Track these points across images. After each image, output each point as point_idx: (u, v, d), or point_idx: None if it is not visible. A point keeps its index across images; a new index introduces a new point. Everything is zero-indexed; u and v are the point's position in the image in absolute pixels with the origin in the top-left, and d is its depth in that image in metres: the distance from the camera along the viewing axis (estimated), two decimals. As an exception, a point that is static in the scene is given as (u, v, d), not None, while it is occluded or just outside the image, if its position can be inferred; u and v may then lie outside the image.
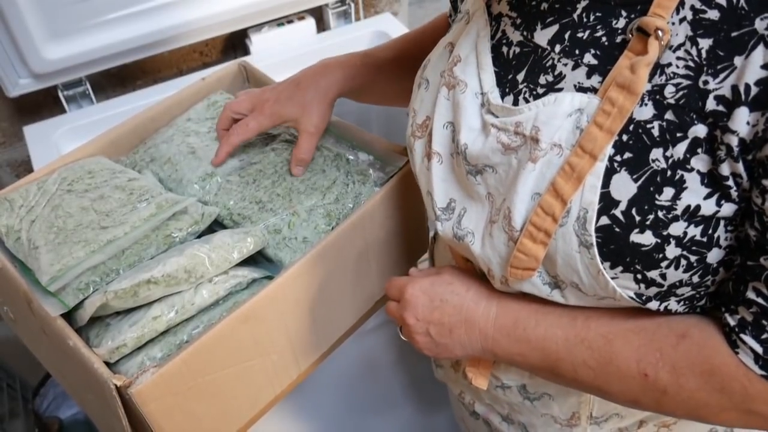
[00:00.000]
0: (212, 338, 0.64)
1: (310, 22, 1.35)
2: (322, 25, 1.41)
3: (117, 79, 1.33)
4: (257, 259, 0.76)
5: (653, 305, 0.52)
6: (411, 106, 0.65)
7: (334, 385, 1.09)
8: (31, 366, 1.25)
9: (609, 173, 0.48)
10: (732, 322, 0.49)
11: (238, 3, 1.24)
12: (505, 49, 0.57)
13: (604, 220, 0.49)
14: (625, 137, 0.48)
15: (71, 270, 0.66)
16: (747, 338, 0.48)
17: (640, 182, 0.47)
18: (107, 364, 0.63)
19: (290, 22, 1.34)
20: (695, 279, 0.50)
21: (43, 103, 1.27)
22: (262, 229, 0.75)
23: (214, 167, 0.81)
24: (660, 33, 0.45)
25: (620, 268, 0.50)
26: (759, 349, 0.47)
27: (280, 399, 0.77)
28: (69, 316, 0.67)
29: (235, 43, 1.39)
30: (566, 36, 0.52)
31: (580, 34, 0.51)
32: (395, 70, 0.82)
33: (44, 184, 0.78)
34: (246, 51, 1.35)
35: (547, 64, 0.53)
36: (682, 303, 0.53)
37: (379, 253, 0.81)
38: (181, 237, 0.72)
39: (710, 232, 0.47)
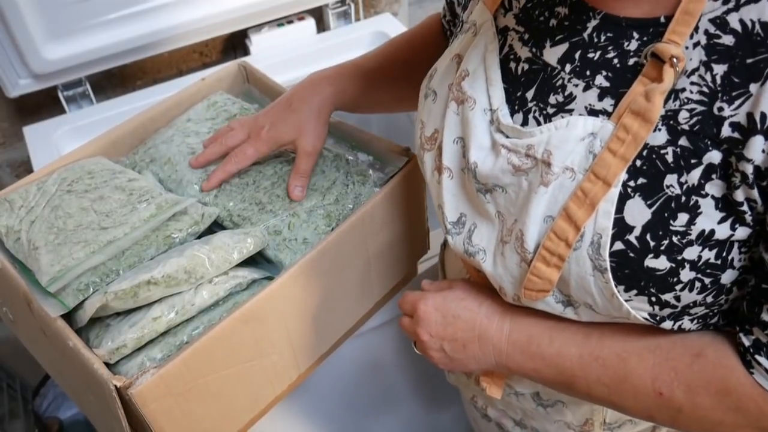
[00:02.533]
0: (212, 339, 0.64)
1: (310, 23, 1.35)
2: (322, 26, 1.41)
3: (117, 79, 1.33)
4: (257, 260, 0.76)
5: (667, 325, 0.52)
6: (418, 117, 0.65)
7: (335, 385, 1.09)
8: (31, 366, 1.24)
9: (623, 199, 0.48)
10: (747, 342, 0.49)
11: (238, 3, 1.24)
12: (513, 65, 0.56)
13: (618, 245, 0.49)
14: (638, 162, 0.47)
15: (71, 271, 0.66)
16: (762, 359, 0.48)
17: (654, 208, 0.47)
18: (107, 365, 0.63)
19: (290, 22, 1.34)
20: (709, 299, 0.50)
21: (43, 104, 1.27)
22: (262, 230, 0.75)
23: (203, 192, 0.80)
24: (675, 60, 0.45)
25: (634, 292, 0.50)
26: None
27: (281, 399, 0.77)
28: (69, 316, 0.67)
29: (235, 44, 1.39)
30: (576, 56, 0.51)
31: (591, 55, 0.50)
32: (385, 79, 0.82)
33: (44, 184, 0.78)
34: (246, 51, 1.35)
35: (557, 84, 0.52)
36: (695, 321, 0.53)
37: (379, 253, 0.80)
38: (181, 238, 0.72)
39: (724, 254, 0.47)
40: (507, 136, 0.54)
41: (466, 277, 0.69)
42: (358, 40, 1.35)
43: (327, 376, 1.04)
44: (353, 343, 0.86)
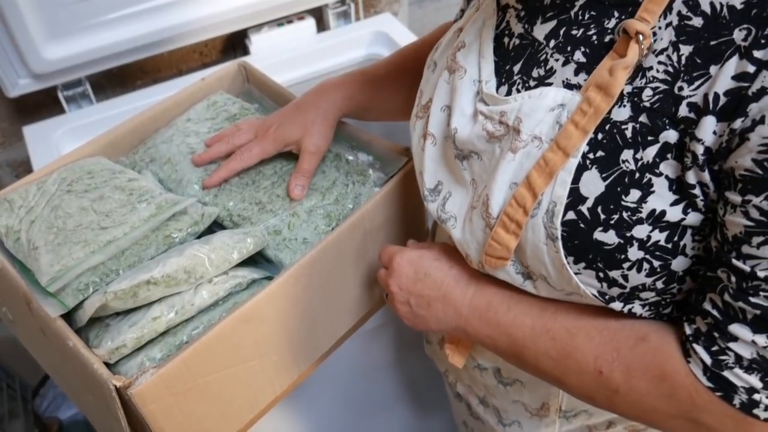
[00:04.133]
0: (212, 339, 0.64)
1: (310, 22, 1.35)
2: (322, 25, 1.41)
3: (117, 79, 1.33)
4: (257, 260, 0.76)
5: (616, 306, 0.53)
6: (419, 86, 0.67)
7: (334, 386, 1.09)
8: (31, 366, 1.24)
9: (580, 170, 0.49)
10: (688, 331, 0.49)
11: (238, 3, 1.24)
12: (506, 39, 0.58)
13: (571, 215, 0.49)
14: (600, 136, 0.48)
15: (71, 270, 0.66)
16: (699, 348, 0.48)
17: (608, 181, 0.48)
18: (107, 364, 0.63)
19: (290, 22, 1.34)
20: (659, 285, 0.50)
21: (43, 104, 1.27)
22: (262, 229, 0.75)
23: (205, 190, 0.80)
24: (641, 37, 0.46)
25: (583, 264, 0.51)
26: (708, 361, 0.47)
27: (280, 400, 0.77)
28: (68, 316, 0.67)
29: (235, 43, 1.39)
30: (561, 32, 0.53)
31: (573, 32, 0.52)
32: (394, 87, 0.83)
33: (44, 184, 0.78)
34: (246, 51, 1.35)
35: (541, 59, 0.54)
36: (647, 308, 0.53)
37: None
38: (180, 237, 0.72)
39: (675, 239, 0.48)
40: (486, 104, 0.56)
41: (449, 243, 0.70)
42: (358, 40, 1.35)
43: (326, 377, 1.04)
44: (353, 344, 0.86)
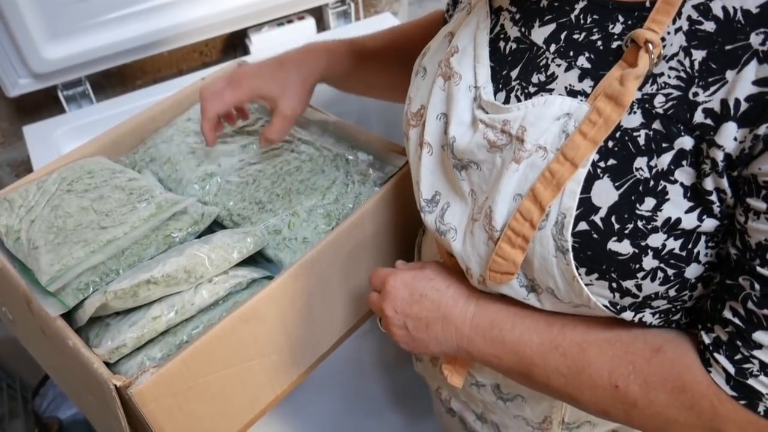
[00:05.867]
0: (212, 338, 0.64)
1: (310, 22, 1.35)
2: (322, 25, 1.41)
3: (117, 79, 1.33)
4: (257, 260, 0.76)
5: (627, 315, 0.52)
6: (408, 93, 0.65)
7: (334, 387, 1.09)
8: (31, 366, 1.24)
9: (591, 179, 0.48)
10: (707, 340, 0.48)
11: (238, 3, 1.24)
12: (502, 44, 0.56)
13: (583, 226, 0.48)
14: (610, 144, 0.47)
15: (71, 270, 0.66)
16: (720, 358, 0.47)
17: (622, 190, 0.47)
18: (107, 364, 0.63)
19: (290, 21, 1.34)
20: (672, 293, 0.49)
21: (43, 103, 1.27)
22: (262, 229, 0.75)
23: (210, 148, 0.80)
24: (651, 46, 0.45)
25: (595, 275, 0.49)
26: (731, 370, 0.47)
27: (281, 399, 0.77)
28: (68, 316, 0.67)
29: (235, 43, 1.39)
30: (562, 36, 0.52)
31: (575, 36, 0.51)
32: (381, 61, 0.82)
33: (44, 184, 0.78)
34: (246, 51, 1.35)
35: (541, 64, 0.52)
36: (657, 316, 0.52)
37: (379, 253, 0.80)
38: (180, 237, 0.71)
39: (690, 246, 0.47)
40: (486, 112, 0.54)
41: (439, 260, 0.69)
42: (358, 39, 1.34)
43: (327, 377, 1.04)
44: (353, 344, 0.85)
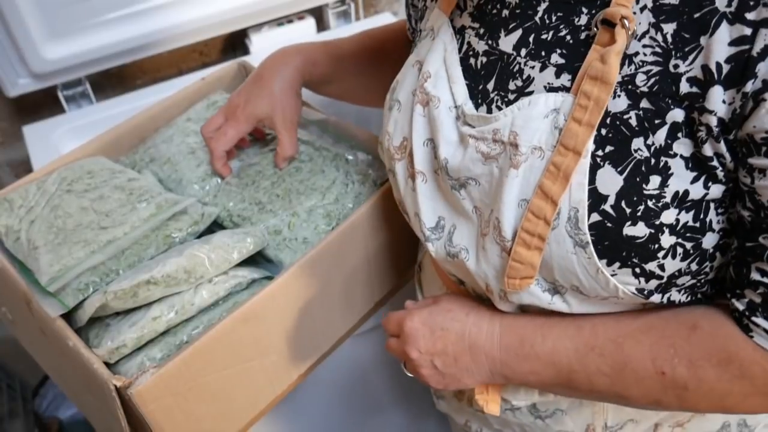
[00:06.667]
0: (212, 339, 0.64)
1: (310, 22, 1.35)
2: (322, 25, 1.41)
3: (117, 79, 1.33)
4: (257, 260, 0.76)
5: (656, 298, 0.52)
6: (384, 129, 0.64)
7: (334, 387, 1.09)
8: (31, 366, 1.24)
9: (593, 169, 0.48)
10: (741, 306, 0.48)
11: (238, 3, 1.24)
12: (473, 60, 0.57)
13: (595, 217, 0.48)
14: (603, 131, 0.48)
15: (71, 270, 0.66)
16: (759, 320, 0.47)
17: (625, 174, 0.47)
18: (107, 364, 0.63)
19: (290, 21, 1.34)
20: (693, 266, 0.49)
21: (43, 103, 1.27)
22: (262, 229, 0.75)
23: (226, 177, 0.82)
24: (626, 21, 0.46)
25: (618, 264, 0.49)
26: None
27: (281, 399, 0.77)
28: (68, 316, 0.67)
29: (235, 43, 1.39)
30: (530, 39, 0.52)
31: (544, 36, 0.51)
32: (355, 63, 0.82)
33: (44, 184, 0.78)
34: (246, 51, 1.35)
35: (515, 70, 0.53)
36: (684, 292, 0.52)
37: (379, 253, 0.80)
38: (180, 237, 0.71)
39: (702, 216, 0.47)
40: (473, 126, 0.54)
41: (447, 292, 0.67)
42: (358, 39, 1.34)
43: (327, 377, 1.04)
44: (353, 344, 0.85)
